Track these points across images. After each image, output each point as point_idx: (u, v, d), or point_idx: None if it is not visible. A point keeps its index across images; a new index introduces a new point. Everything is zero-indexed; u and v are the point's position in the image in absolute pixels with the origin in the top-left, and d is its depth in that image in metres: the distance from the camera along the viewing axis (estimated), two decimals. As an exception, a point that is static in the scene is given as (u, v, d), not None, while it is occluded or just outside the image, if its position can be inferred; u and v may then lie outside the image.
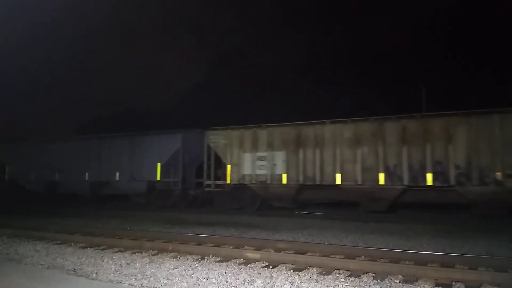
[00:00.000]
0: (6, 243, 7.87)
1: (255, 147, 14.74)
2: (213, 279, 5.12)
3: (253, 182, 14.66)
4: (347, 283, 4.94)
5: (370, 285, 4.84)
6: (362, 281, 5.05)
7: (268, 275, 5.29)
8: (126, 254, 6.76)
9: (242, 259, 6.23)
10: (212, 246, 7.21)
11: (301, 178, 13.80)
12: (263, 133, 14.72)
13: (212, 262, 6.12)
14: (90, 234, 8.57)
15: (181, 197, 16.62)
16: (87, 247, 7.40)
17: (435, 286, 4.84)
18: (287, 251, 6.72)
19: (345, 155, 13.18)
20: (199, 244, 7.31)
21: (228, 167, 15.11)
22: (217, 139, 15.55)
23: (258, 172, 14.58)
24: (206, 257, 6.42)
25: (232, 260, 6.20)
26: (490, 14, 23.10)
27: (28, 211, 15.09)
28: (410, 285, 4.85)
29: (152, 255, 6.70)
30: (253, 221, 11.71)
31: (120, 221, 11.68)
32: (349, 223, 11.14)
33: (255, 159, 14.67)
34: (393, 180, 12.51)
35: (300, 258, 6.01)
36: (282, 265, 5.86)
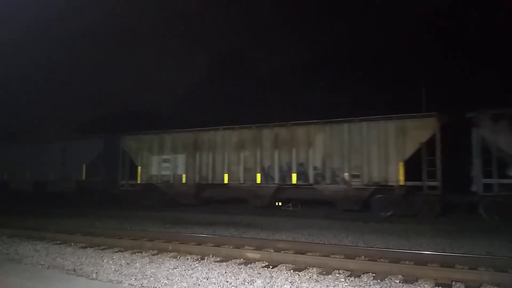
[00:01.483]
0: (6, 243, 7.87)
1: (161, 151, 16.72)
2: (213, 279, 5.12)
3: (159, 181, 16.63)
4: (347, 283, 4.94)
5: (370, 285, 4.84)
6: (362, 281, 5.05)
7: (268, 275, 5.29)
8: (126, 254, 6.76)
9: (242, 259, 6.23)
10: (212, 246, 7.22)
11: (197, 178, 15.76)
12: (168, 138, 16.69)
13: (212, 262, 6.12)
14: (90, 234, 8.58)
15: (103, 195, 18.45)
16: (87, 247, 7.40)
17: (435, 286, 4.84)
18: (287, 251, 6.73)
19: (232, 158, 15.13)
20: (199, 244, 7.31)
21: (139, 168, 17.09)
22: (130, 143, 17.64)
23: (163, 172, 16.56)
24: (206, 257, 6.42)
25: (232, 260, 6.20)
26: (490, 14, 23.12)
27: (27, 211, 15.09)
28: (410, 285, 4.85)
29: (152, 255, 6.70)
30: (253, 221, 11.72)
31: (120, 221, 11.68)
32: (349, 223, 11.15)
33: (161, 161, 16.63)
34: (267, 179, 14.43)
35: (300, 258, 6.01)
36: (282, 265, 5.86)
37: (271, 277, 5.18)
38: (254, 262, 6.04)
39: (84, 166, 18.57)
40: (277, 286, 4.81)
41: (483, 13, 22.80)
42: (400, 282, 4.97)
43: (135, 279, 5.19)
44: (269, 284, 4.86)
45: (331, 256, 6.20)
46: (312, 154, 13.75)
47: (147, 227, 10.43)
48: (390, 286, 4.81)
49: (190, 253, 6.65)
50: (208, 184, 15.55)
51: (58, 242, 7.90)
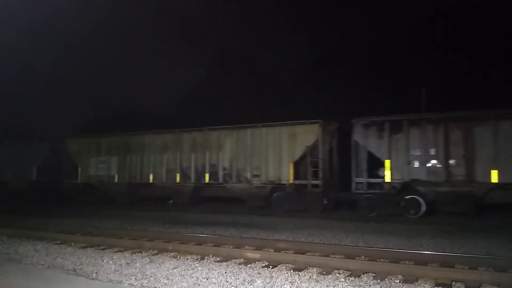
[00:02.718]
0: (6, 243, 7.87)
1: (98, 153, 18.38)
2: (213, 279, 5.12)
3: (96, 181, 18.28)
4: (347, 283, 4.94)
5: (370, 285, 4.84)
6: (362, 281, 5.05)
7: (268, 275, 5.29)
8: (126, 254, 6.76)
9: (242, 259, 6.23)
10: (212, 246, 7.22)
11: (128, 178, 17.34)
12: (104, 141, 18.38)
13: (212, 262, 6.12)
14: (90, 234, 8.58)
15: (53, 193, 19.68)
16: (87, 247, 7.40)
17: (435, 286, 4.84)
18: (287, 251, 6.72)
19: (156, 160, 16.79)
20: (199, 244, 7.31)
21: (79, 168, 18.76)
22: (73, 146, 19.26)
23: (99, 173, 18.20)
24: (206, 257, 6.42)
25: (232, 260, 6.20)
26: (490, 14, 23.11)
27: (27, 211, 15.09)
28: (410, 285, 4.85)
29: (152, 255, 6.70)
30: (253, 221, 11.72)
31: (120, 221, 11.68)
32: (349, 223, 11.15)
33: (97, 163, 18.30)
34: (185, 179, 16.05)
35: (300, 258, 6.01)
36: (282, 265, 5.86)
37: (271, 277, 5.18)
38: (254, 262, 6.04)
39: (35, 167, 20.35)
40: (277, 286, 4.81)
41: (483, 12, 22.80)
42: (400, 282, 4.97)
43: (135, 279, 5.19)
44: (269, 284, 4.86)
45: (331, 256, 6.20)
46: (222, 156, 15.42)
47: (147, 227, 10.43)
48: (390, 286, 4.81)
49: (190, 253, 6.65)
50: (137, 183, 17.21)
51: (58, 242, 7.90)
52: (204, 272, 5.45)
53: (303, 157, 14.04)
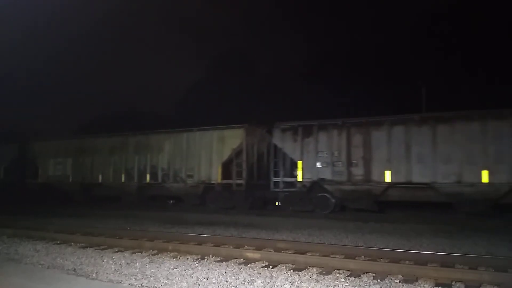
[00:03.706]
0: (6, 243, 7.87)
1: (56, 155, 19.84)
2: (213, 279, 5.11)
3: (54, 181, 19.81)
4: (347, 283, 4.94)
5: (370, 285, 4.84)
6: (362, 281, 5.04)
7: (268, 275, 5.28)
8: (126, 254, 6.76)
9: (242, 259, 6.22)
10: (212, 246, 7.21)
11: (81, 178, 18.98)
12: (61, 144, 19.93)
13: (212, 262, 6.12)
14: (90, 234, 8.58)
15: (19, 191, 20.80)
16: (87, 247, 7.40)
17: (435, 286, 4.84)
18: (287, 251, 6.72)
19: (106, 161, 18.25)
20: (199, 244, 7.30)
21: (39, 169, 20.27)
22: (36, 148, 20.70)
23: (57, 173, 19.78)
24: (206, 257, 6.42)
25: (232, 260, 6.19)
26: (490, 14, 23.10)
27: (27, 211, 15.09)
28: (410, 285, 4.85)
29: (152, 255, 6.70)
30: (253, 221, 11.72)
31: (120, 221, 11.68)
32: (349, 223, 11.14)
33: (56, 164, 19.79)
34: (129, 179, 17.54)
35: (300, 258, 6.01)
36: (282, 265, 5.86)
37: (271, 277, 5.18)
38: (254, 262, 6.04)
39: (2, 168, 21.85)
40: (277, 286, 4.81)
41: (483, 12, 22.78)
42: (400, 282, 4.97)
43: (135, 279, 5.19)
44: (269, 284, 4.86)
45: (331, 256, 6.20)
46: (161, 158, 16.91)
47: (147, 227, 10.43)
48: (390, 286, 4.81)
49: (190, 253, 6.65)
50: (89, 183, 18.82)
51: (58, 242, 7.90)
52: (204, 272, 5.45)
53: (230, 159, 15.48)
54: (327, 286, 4.81)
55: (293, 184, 14.33)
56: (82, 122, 31.04)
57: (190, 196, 16.33)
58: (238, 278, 5.10)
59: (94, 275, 5.41)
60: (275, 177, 14.74)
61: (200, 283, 4.96)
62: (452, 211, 12.54)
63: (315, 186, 13.94)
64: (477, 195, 11.82)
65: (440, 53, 23.95)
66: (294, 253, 6.50)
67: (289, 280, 4.99)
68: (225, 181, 15.45)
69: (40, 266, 6.05)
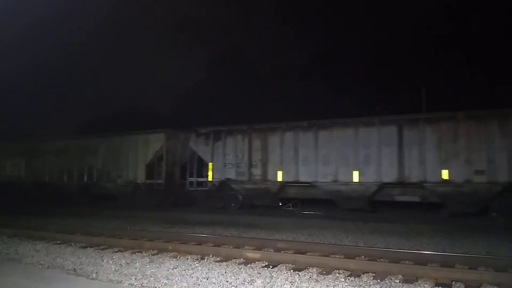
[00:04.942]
0: (6, 243, 7.87)
1: (14, 156, 21.73)
2: (213, 278, 5.11)
3: (11, 180, 21.43)
4: (347, 283, 4.94)
5: (370, 285, 4.84)
6: (362, 280, 5.05)
7: (268, 275, 5.28)
8: (126, 254, 6.76)
9: (242, 259, 6.22)
10: (212, 245, 7.21)
11: (32, 178, 20.68)
12: (17, 146, 21.80)
13: (212, 262, 6.12)
14: (90, 234, 8.58)
15: None
16: (87, 247, 7.40)
17: (435, 286, 4.84)
18: (287, 251, 6.72)
19: (52, 162, 20.01)
20: (199, 244, 7.30)
21: None
22: None
23: (15, 173, 21.55)
24: (206, 257, 6.42)
25: (232, 260, 6.19)
26: (490, 14, 23.10)
27: (27, 211, 15.10)
28: (410, 285, 4.85)
29: (152, 255, 6.70)
30: (253, 221, 11.72)
31: (120, 221, 11.68)
32: (349, 223, 11.14)
33: (12, 164, 21.74)
34: (71, 178, 19.34)
35: (300, 258, 6.01)
36: (282, 265, 5.86)
37: (271, 277, 5.18)
38: (254, 262, 6.04)
39: None
40: (277, 286, 4.81)
41: (483, 12, 22.78)
42: (400, 282, 4.97)
43: (135, 279, 5.19)
44: (269, 284, 4.86)
45: (331, 256, 6.20)
46: (97, 160, 18.56)
47: (147, 227, 10.43)
48: (390, 286, 4.81)
49: (190, 253, 6.65)
50: (38, 182, 20.35)
51: (58, 242, 7.90)
52: (204, 272, 5.45)
53: (153, 161, 17.10)
54: (327, 286, 4.81)
55: (205, 183, 15.85)
56: (81, 122, 31.03)
57: (122, 194, 17.84)
58: (238, 278, 5.10)
59: (94, 275, 5.41)
60: (190, 177, 16.23)
61: (200, 283, 4.96)
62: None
63: (223, 185, 15.44)
64: (351, 193, 13.24)
65: (440, 53, 23.95)
66: (294, 253, 6.50)
67: (289, 280, 4.99)
68: (148, 181, 17.06)
69: (40, 266, 6.05)
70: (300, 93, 26.20)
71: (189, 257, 6.42)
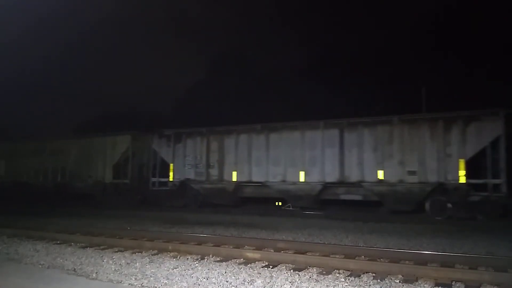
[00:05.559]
0: (6, 243, 7.87)
1: None
2: (213, 278, 5.11)
3: None
4: (347, 282, 4.94)
5: (370, 285, 4.84)
6: (362, 280, 5.04)
7: (268, 275, 5.28)
8: (126, 254, 6.76)
9: (242, 259, 6.22)
10: (212, 245, 7.21)
11: (12, 176, 21.57)
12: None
13: (212, 262, 6.12)
14: (90, 234, 8.57)
15: None
16: (87, 247, 7.39)
17: (435, 286, 4.84)
18: (287, 251, 6.72)
19: (30, 163, 20.86)
20: (199, 244, 7.30)
21: None
22: None
23: None
24: (206, 257, 6.42)
25: (232, 260, 6.19)
26: (490, 14, 23.10)
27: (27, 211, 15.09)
28: (410, 284, 4.85)
29: (152, 255, 6.70)
30: (253, 221, 11.72)
31: (120, 221, 11.68)
32: (349, 223, 11.15)
33: None
34: (45, 178, 20.23)
35: (300, 257, 6.01)
36: (282, 264, 5.86)
37: (271, 277, 5.18)
38: (254, 262, 6.04)
39: None
40: (277, 286, 4.81)
41: (483, 12, 22.77)
42: (400, 282, 4.97)
43: (135, 279, 5.19)
44: (269, 284, 4.86)
45: (331, 256, 6.20)
46: (70, 160, 19.48)
47: (147, 227, 10.43)
48: (390, 286, 4.81)
49: (190, 253, 6.65)
50: (17, 181, 21.23)
51: (58, 242, 7.90)
52: (204, 272, 5.45)
53: (120, 161, 18.07)
54: (327, 286, 4.81)
55: (166, 183, 16.72)
56: (81, 122, 31.04)
57: (92, 193, 18.70)
58: (238, 278, 5.10)
59: (94, 275, 5.41)
60: (153, 177, 17.12)
61: (200, 283, 4.96)
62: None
63: (183, 185, 16.38)
64: (299, 192, 14.18)
65: (440, 53, 23.96)
66: (294, 253, 6.50)
67: (289, 280, 4.99)
68: (115, 181, 18.05)
69: (40, 266, 6.04)
70: (300, 93, 26.19)
71: (189, 257, 6.42)
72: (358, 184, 13.22)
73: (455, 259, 5.84)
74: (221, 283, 4.91)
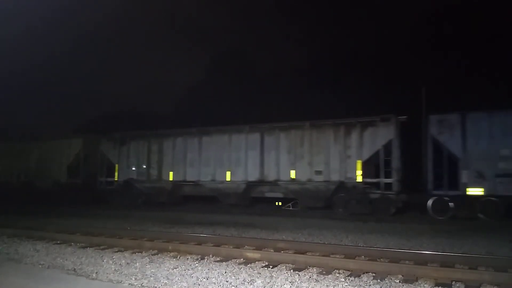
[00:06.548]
0: (6, 243, 7.87)
1: None
2: (213, 278, 5.11)
3: None
4: (347, 282, 4.94)
5: (370, 285, 4.84)
6: (362, 280, 5.04)
7: (268, 274, 5.28)
8: (126, 254, 6.76)
9: (242, 259, 6.22)
10: (212, 245, 7.21)
11: None
12: None
13: (212, 262, 6.12)
14: (90, 234, 8.57)
15: None
16: (87, 247, 7.40)
17: (435, 286, 4.84)
18: (287, 251, 6.72)
19: (12, 164, 22.03)
20: (199, 244, 7.30)
21: None
22: None
23: None
24: (206, 257, 6.42)
25: (232, 260, 6.19)
26: (490, 13, 23.10)
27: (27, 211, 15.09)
28: (410, 284, 4.85)
29: (152, 255, 6.70)
30: (253, 221, 11.72)
31: (120, 221, 11.68)
32: (349, 223, 11.15)
33: None
34: (13, 177, 21.77)
35: (300, 257, 6.01)
36: (282, 264, 5.86)
37: (271, 277, 5.18)
38: (254, 262, 6.04)
39: None
40: (277, 286, 4.81)
41: (483, 12, 22.77)
42: (400, 282, 4.97)
43: (135, 278, 5.19)
44: (269, 284, 4.86)
45: (331, 256, 6.20)
46: (32, 161, 21.13)
47: (147, 227, 10.43)
48: (390, 286, 4.81)
49: (190, 253, 6.65)
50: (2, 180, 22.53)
51: (58, 242, 7.90)
52: (204, 272, 5.45)
53: (73, 162, 19.56)
54: (327, 286, 4.81)
55: (112, 183, 18.06)
56: (81, 122, 31.01)
57: (51, 192, 19.77)
58: (238, 278, 5.10)
59: (94, 275, 5.41)
60: (100, 177, 18.42)
61: (200, 283, 4.96)
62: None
63: (127, 184, 17.71)
64: (227, 190, 15.50)
65: (440, 53, 23.95)
66: (294, 253, 6.50)
67: (289, 280, 4.99)
68: (69, 181, 19.52)
69: (40, 266, 6.05)
70: (300, 93, 26.18)
71: (189, 257, 6.42)
72: (275, 183, 14.57)
73: (455, 259, 5.84)
74: (221, 283, 4.91)
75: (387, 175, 12.91)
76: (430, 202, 12.57)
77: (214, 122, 17.83)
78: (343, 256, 6.20)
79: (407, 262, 5.79)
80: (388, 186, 12.89)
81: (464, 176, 12.17)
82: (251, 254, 6.31)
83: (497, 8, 22.78)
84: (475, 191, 12.04)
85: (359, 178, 13.25)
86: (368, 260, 5.95)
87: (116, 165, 17.99)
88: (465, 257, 5.88)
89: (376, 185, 13.16)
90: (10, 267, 5.99)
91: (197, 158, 16.11)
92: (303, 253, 6.48)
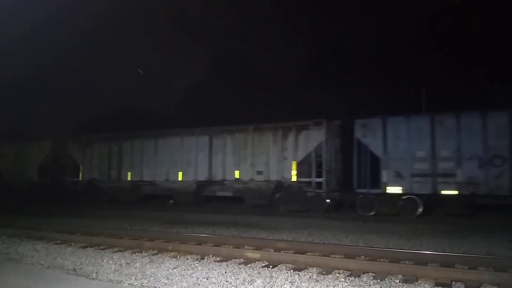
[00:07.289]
0: (6, 243, 7.87)
1: None
2: (213, 278, 5.11)
3: None
4: (347, 282, 4.94)
5: (370, 285, 4.84)
6: (362, 280, 5.04)
7: (268, 274, 5.28)
8: (126, 254, 6.76)
9: (242, 259, 6.22)
10: (212, 245, 7.21)
11: None
12: None
13: (212, 262, 6.12)
14: (90, 234, 8.57)
15: None
16: (87, 247, 7.40)
17: (435, 286, 4.84)
18: (287, 251, 6.72)
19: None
20: (199, 244, 7.30)
21: None
22: None
23: None
24: (206, 257, 6.42)
25: (232, 260, 6.19)
26: (490, 14, 23.09)
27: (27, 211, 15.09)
28: (410, 284, 4.85)
29: (152, 254, 6.70)
30: (253, 221, 11.73)
31: (120, 221, 11.68)
32: (349, 223, 11.16)
33: None
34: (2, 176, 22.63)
35: (300, 257, 6.01)
36: (282, 264, 5.86)
37: (271, 277, 5.18)
38: (254, 262, 6.04)
39: None
40: (277, 286, 4.81)
41: (483, 12, 22.77)
42: (400, 282, 4.97)
43: (135, 278, 5.19)
44: (269, 284, 4.86)
45: (331, 256, 6.20)
46: (8, 163, 22.32)
47: (147, 227, 10.43)
48: (390, 286, 4.81)
49: (190, 253, 6.65)
50: None
51: (58, 242, 7.90)
52: (204, 272, 5.45)
53: (43, 163, 20.71)
54: (327, 286, 4.81)
55: (77, 182, 19.32)
56: (81, 122, 30.99)
57: (23, 191, 20.76)
58: (238, 278, 5.10)
59: (94, 275, 5.41)
60: (67, 177, 19.61)
61: (200, 283, 4.96)
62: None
63: (90, 183, 18.90)
64: (180, 189, 16.57)
65: (440, 53, 23.94)
66: (294, 253, 6.51)
67: (289, 280, 4.99)
68: (39, 180, 20.63)
69: (40, 266, 6.05)
70: (300, 93, 26.17)
71: (189, 257, 6.42)
72: (222, 182, 15.70)
73: (455, 259, 5.84)
74: (221, 283, 4.91)
75: (318, 175, 14.07)
76: (357, 200, 13.62)
77: (214, 122, 17.81)
78: (343, 256, 6.19)
79: (407, 262, 5.79)
80: (319, 185, 14.09)
81: (384, 175, 13.22)
82: (251, 254, 6.32)
83: (497, 8, 22.79)
84: (394, 189, 13.07)
85: (294, 178, 14.41)
86: (368, 260, 5.94)
87: (81, 166, 19.27)
88: (465, 257, 5.88)
89: (309, 184, 14.31)
90: (10, 267, 5.99)
91: (153, 159, 17.28)
92: (303, 253, 6.48)
